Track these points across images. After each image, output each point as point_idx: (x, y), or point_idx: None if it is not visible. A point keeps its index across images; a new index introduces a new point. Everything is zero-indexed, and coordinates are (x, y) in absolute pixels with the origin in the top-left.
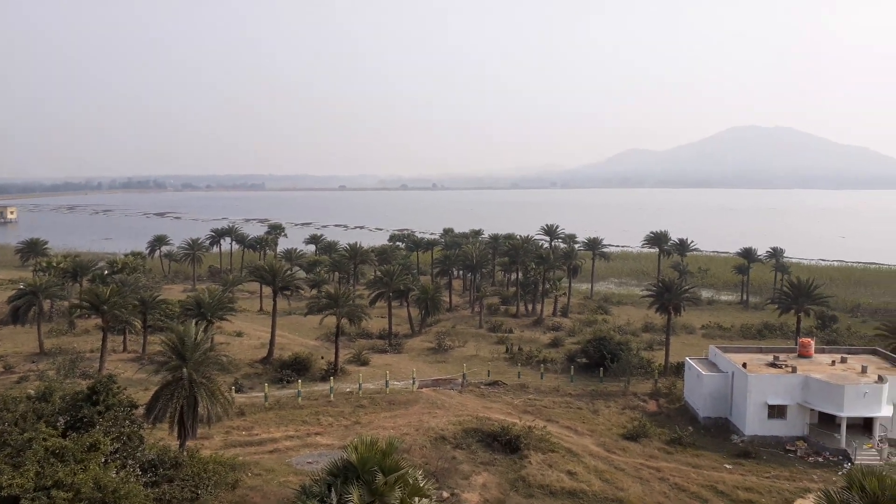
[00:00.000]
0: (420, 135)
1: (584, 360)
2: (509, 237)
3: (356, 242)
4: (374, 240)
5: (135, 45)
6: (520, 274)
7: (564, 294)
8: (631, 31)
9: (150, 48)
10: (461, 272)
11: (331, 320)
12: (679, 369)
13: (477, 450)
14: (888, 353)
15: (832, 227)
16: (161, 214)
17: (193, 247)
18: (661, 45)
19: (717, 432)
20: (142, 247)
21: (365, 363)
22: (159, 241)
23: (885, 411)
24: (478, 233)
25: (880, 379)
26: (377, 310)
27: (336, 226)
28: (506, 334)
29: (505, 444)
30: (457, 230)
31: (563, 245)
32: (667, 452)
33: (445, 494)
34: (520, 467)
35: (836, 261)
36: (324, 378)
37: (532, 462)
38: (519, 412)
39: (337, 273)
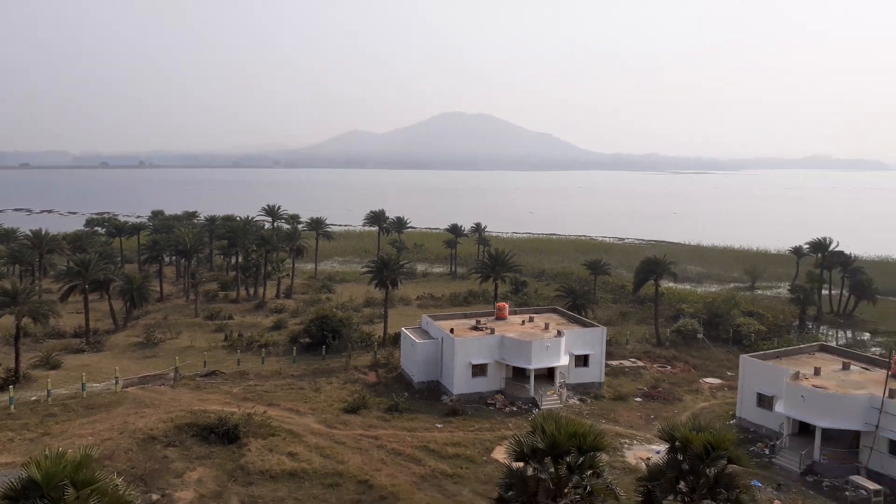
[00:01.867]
0: (126, 106)
1: (307, 339)
2: (228, 219)
3: (41, 229)
4: (66, 225)
5: None
6: (240, 257)
7: (288, 275)
8: (349, 9)
9: None
10: (174, 258)
11: (9, 320)
12: (397, 340)
13: (192, 445)
14: (565, 310)
15: (524, 204)
16: None
17: None
18: (381, 29)
19: (430, 395)
20: None
21: (56, 366)
22: None
23: (563, 361)
24: (192, 215)
25: (559, 333)
26: (72, 305)
27: (17, 210)
28: (225, 321)
29: (223, 434)
30: (168, 212)
31: (286, 226)
32: (385, 420)
33: (156, 497)
34: (238, 456)
35: (526, 233)
36: (1, 388)
37: (252, 449)
38: (238, 400)
39: (18, 266)
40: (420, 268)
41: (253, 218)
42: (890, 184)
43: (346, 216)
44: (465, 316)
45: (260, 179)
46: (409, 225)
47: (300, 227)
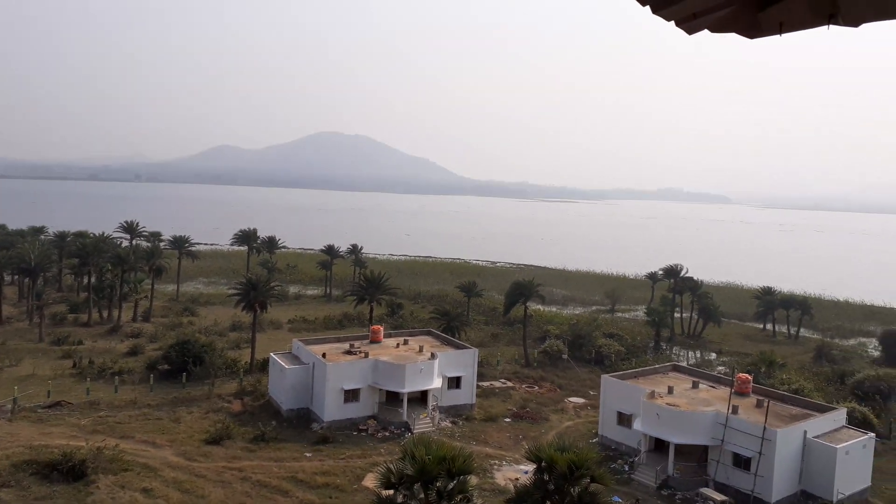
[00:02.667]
0: None
1: (166, 366)
2: (81, 235)
3: None
4: None
5: None
6: (93, 277)
7: (146, 297)
8: (221, 20)
9: None
10: (16, 277)
11: None
12: (265, 366)
13: (30, 485)
14: (439, 333)
15: (400, 226)
16: None
17: None
18: (254, 41)
19: (300, 423)
20: None
21: None
22: None
23: (437, 383)
24: (39, 230)
25: (433, 356)
26: None
27: None
28: (74, 346)
29: (67, 472)
30: (11, 227)
31: (145, 244)
32: (250, 451)
33: None
34: (85, 495)
35: (403, 255)
36: None
37: (101, 487)
38: (87, 433)
39: None
40: (293, 290)
41: (109, 235)
42: (731, 216)
43: (214, 235)
44: (339, 339)
45: (120, 193)
46: (281, 245)
47: (162, 245)
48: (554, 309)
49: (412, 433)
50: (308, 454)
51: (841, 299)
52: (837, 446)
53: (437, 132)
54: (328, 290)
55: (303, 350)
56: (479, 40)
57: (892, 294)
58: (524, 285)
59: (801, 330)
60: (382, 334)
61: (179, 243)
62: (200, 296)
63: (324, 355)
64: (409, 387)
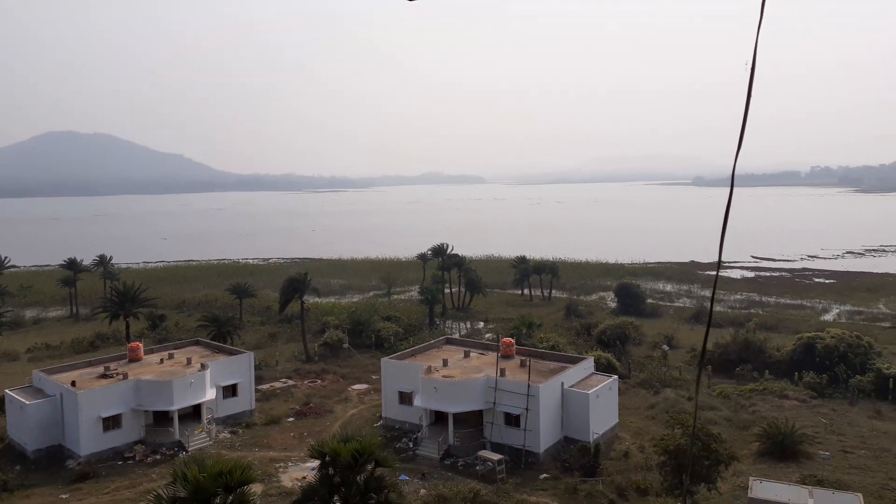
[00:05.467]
0: None
1: None
2: None
3: None
4: None
5: None
6: None
7: None
8: None
9: None
10: None
11: None
12: (1, 405)
13: None
14: (209, 341)
15: (155, 230)
16: None
17: None
18: None
19: (51, 463)
20: None
21: None
22: None
23: (210, 395)
24: None
25: (203, 367)
26: None
27: None
28: None
29: None
30: None
31: None
32: None
33: None
34: None
35: (161, 261)
36: None
37: None
38: None
39: None
40: (30, 314)
41: None
42: (487, 194)
43: None
44: (91, 363)
45: None
46: (9, 264)
47: None
48: (332, 300)
49: (188, 451)
50: (64, 496)
51: (582, 260)
52: (589, 392)
53: (191, 126)
54: (74, 310)
55: (46, 381)
56: (232, 24)
57: (621, 252)
58: (298, 280)
59: (553, 291)
60: (143, 351)
61: None
62: None
63: (73, 383)
64: (179, 403)
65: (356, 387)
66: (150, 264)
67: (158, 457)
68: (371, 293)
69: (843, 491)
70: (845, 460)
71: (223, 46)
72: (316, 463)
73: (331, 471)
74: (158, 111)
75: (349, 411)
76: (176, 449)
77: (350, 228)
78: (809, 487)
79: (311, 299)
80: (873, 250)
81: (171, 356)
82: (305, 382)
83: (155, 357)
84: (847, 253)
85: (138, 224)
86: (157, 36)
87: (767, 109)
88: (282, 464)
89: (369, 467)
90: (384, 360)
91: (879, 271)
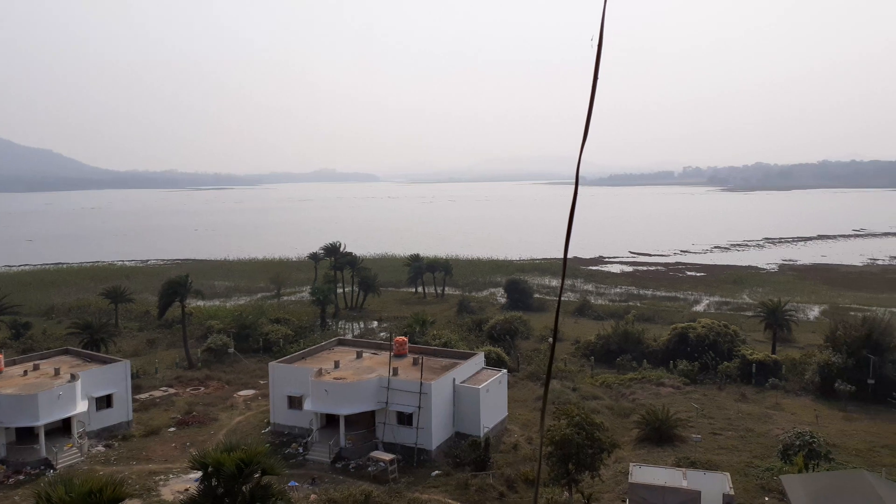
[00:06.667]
0: None
1: None
2: None
3: None
4: None
5: None
6: None
7: None
8: None
9: None
10: None
11: None
12: None
13: None
14: (79, 349)
15: (17, 232)
16: None
17: None
18: None
19: None
20: None
21: None
22: None
23: (81, 407)
24: None
25: (73, 377)
26: None
27: None
28: None
29: None
30: None
31: None
32: None
33: None
34: None
35: (25, 265)
36: None
37: None
38: None
39: None
40: None
41: None
42: (380, 193)
43: None
44: None
45: None
46: None
47: None
48: (216, 302)
49: (56, 469)
50: None
51: (474, 257)
52: (479, 387)
53: (60, 118)
54: None
55: None
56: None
57: (511, 248)
58: (178, 282)
59: (446, 288)
60: (3, 363)
61: None
62: None
63: None
64: (46, 418)
65: (243, 393)
66: (12, 268)
67: (22, 477)
68: (259, 295)
69: (713, 471)
70: (715, 442)
71: (94, 25)
72: (198, 474)
73: (214, 482)
74: (23, 101)
75: (235, 418)
76: (42, 468)
77: (237, 227)
78: (683, 469)
79: (193, 303)
80: (738, 245)
81: (36, 367)
82: (188, 390)
83: (18, 369)
84: (715, 248)
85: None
86: (12, 7)
87: (646, 112)
88: (162, 477)
89: (256, 476)
90: (272, 364)
91: (743, 264)
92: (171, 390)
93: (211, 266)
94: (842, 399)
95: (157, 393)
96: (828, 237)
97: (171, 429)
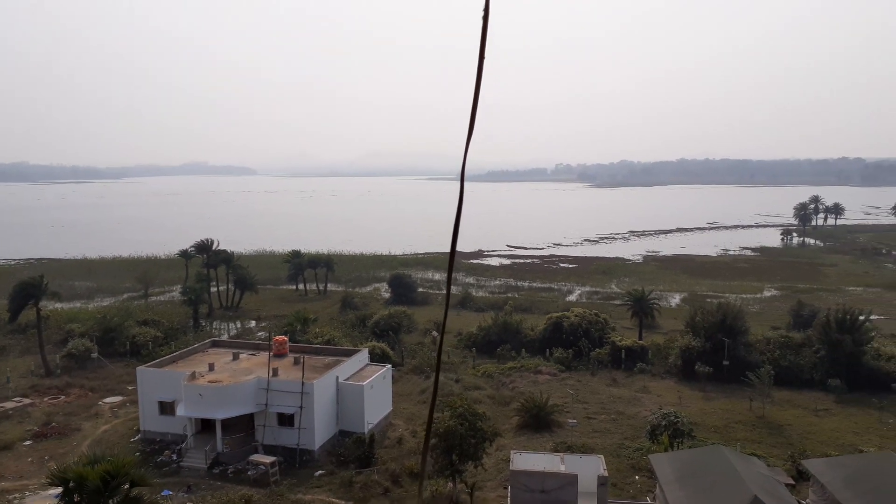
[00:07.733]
0: None
1: None
2: None
3: None
4: None
5: None
6: None
7: None
8: None
9: None
10: None
11: None
12: None
13: None
14: None
15: None
16: None
17: None
18: None
19: None
20: None
21: None
22: None
23: None
24: None
25: None
26: None
27: None
28: None
29: None
30: None
31: None
32: None
33: None
34: None
35: None
36: None
37: None
38: None
39: None
40: None
41: None
42: (257, 187)
43: None
44: None
45: None
46: None
47: None
48: (77, 305)
49: None
50: None
51: (357, 253)
52: (363, 383)
53: None
54: None
55: None
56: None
57: (394, 243)
58: (32, 284)
59: (329, 285)
60: None
61: None
62: None
63: None
64: None
65: (108, 400)
66: None
67: None
68: (125, 295)
69: (588, 454)
70: (589, 426)
71: None
72: (59, 490)
73: (77, 498)
74: None
75: (101, 428)
76: None
77: (98, 224)
78: (561, 454)
79: (50, 305)
80: (606, 238)
81: None
82: (45, 400)
83: None
84: (585, 241)
85: None
86: None
87: (521, 111)
88: (17, 495)
89: (124, 488)
90: (140, 368)
91: (611, 256)
92: (27, 400)
93: (69, 265)
94: (701, 380)
95: (8, 404)
96: (685, 230)
97: (27, 442)
